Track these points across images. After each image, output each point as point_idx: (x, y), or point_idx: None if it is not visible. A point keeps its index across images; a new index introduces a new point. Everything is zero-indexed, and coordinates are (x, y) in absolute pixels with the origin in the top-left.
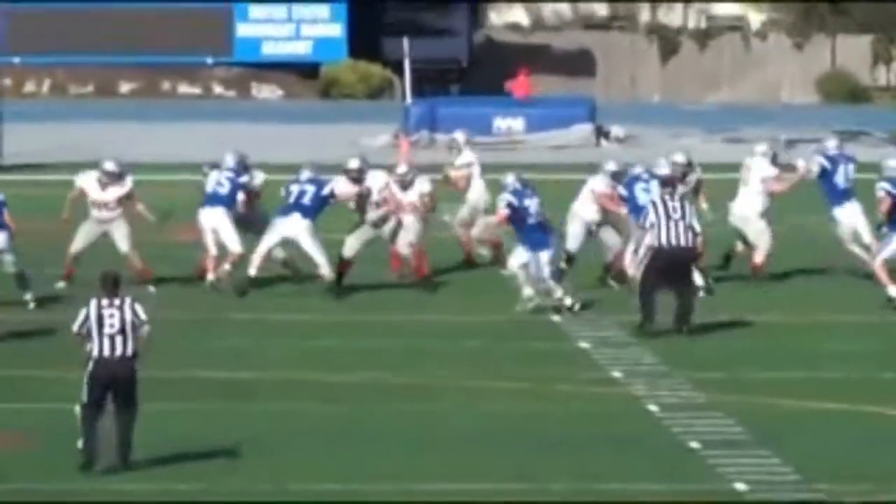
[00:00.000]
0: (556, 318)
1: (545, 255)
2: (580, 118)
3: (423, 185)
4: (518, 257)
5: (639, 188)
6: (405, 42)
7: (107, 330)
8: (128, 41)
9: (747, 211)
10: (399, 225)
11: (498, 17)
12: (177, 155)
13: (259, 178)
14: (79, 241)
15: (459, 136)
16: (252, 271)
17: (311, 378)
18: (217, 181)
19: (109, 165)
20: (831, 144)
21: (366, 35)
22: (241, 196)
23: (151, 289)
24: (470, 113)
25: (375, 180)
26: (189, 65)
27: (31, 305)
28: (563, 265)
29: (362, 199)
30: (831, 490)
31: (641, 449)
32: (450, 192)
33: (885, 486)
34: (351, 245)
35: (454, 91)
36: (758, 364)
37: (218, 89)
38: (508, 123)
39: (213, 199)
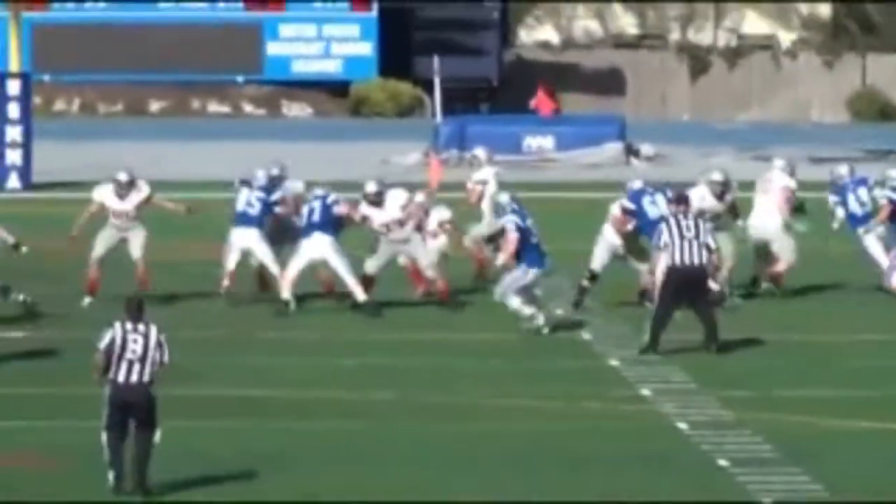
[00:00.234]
0: (586, 335)
1: (534, 273)
2: (610, 137)
3: (441, 213)
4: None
5: (646, 201)
6: (435, 60)
7: (128, 355)
8: (158, 60)
9: (769, 224)
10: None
11: (528, 36)
12: (206, 174)
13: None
14: (99, 248)
15: (481, 152)
16: (285, 294)
17: (335, 396)
18: (247, 201)
19: (122, 176)
20: (843, 172)
21: (396, 53)
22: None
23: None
24: (500, 131)
25: (396, 200)
26: (219, 83)
27: (21, 298)
28: (585, 283)
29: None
30: None
31: (670, 467)
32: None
33: None
34: (373, 262)
35: (484, 110)
36: (787, 382)
37: (248, 108)
38: (538, 142)
39: (245, 220)
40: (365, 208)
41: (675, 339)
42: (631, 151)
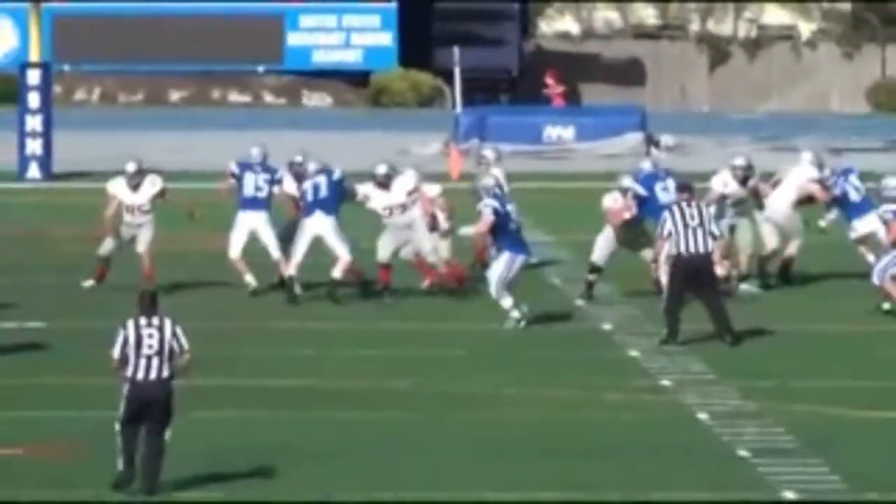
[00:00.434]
0: (606, 326)
1: (521, 261)
2: (630, 127)
3: (431, 189)
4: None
5: (658, 187)
6: (455, 51)
7: (145, 350)
8: (178, 49)
9: (783, 204)
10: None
11: (548, 27)
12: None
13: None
14: (107, 245)
15: (489, 153)
16: (291, 271)
17: (350, 386)
18: (256, 185)
19: (131, 166)
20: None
21: (416, 44)
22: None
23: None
24: (520, 122)
25: (403, 185)
26: (239, 73)
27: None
28: (590, 277)
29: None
30: (881, 499)
31: (691, 457)
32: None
33: None
34: (383, 248)
35: (504, 100)
36: (807, 372)
37: (268, 97)
38: (559, 132)
39: (254, 204)
40: (370, 188)
41: (695, 329)
42: (651, 142)
